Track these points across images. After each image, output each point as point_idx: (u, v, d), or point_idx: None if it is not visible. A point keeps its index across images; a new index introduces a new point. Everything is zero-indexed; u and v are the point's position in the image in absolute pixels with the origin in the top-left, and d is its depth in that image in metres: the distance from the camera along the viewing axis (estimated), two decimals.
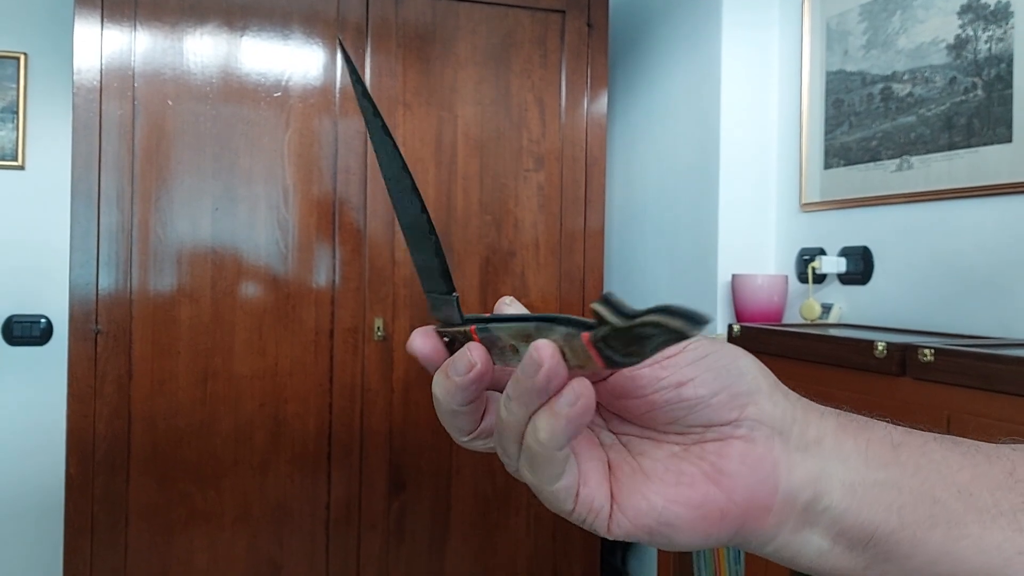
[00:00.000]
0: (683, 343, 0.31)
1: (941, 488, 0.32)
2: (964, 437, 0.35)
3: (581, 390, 0.29)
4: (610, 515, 0.32)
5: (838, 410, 0.35)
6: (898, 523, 0.32)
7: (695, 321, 0.24)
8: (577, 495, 0.32)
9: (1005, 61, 1.46)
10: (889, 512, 0.32)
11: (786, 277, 1.94)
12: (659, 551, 1.78)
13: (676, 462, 0.32)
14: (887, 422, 0.35)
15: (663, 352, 0.31)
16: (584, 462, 0.32)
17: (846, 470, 0.32)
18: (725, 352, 0.32)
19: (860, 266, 1.77)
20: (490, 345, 0.33)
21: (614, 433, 0.35)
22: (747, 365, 0.33)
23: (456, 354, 0.32)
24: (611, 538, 0.33)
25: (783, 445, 0.32)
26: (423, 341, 0.34)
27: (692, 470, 0.32)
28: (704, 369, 0.31)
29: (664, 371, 0.31)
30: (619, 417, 0.34)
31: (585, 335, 0.28)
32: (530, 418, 0.30)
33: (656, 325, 0.25)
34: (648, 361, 0.30)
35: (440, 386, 0.33)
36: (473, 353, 0.32)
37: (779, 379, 0.34)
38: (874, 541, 0.32)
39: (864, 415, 0.35)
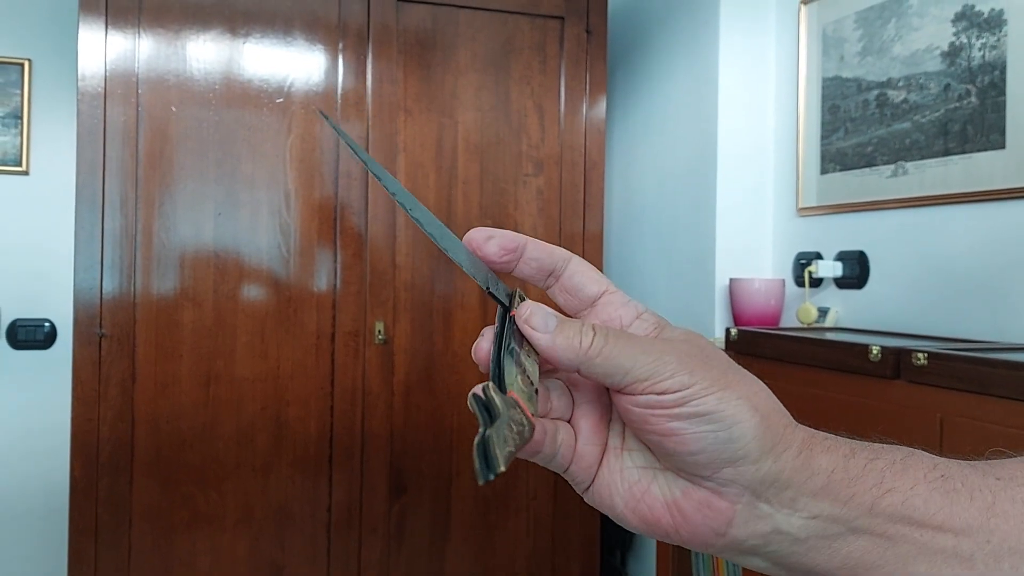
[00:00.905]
0: (687, 394, 0.32)
1: (908, 532, 0.32)
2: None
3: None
4: (586, 489, 0.37)
5: (837, 459, 0.33)
6: (839, 564, 0.33)
7: (485, 471, 0.29)
8: (567, 469, 0.37)
9: (998, 68, 1.48)
10: (836, 557, 0.33)
11: (783, 281, 1.96)
12: (658, 551, 1.80)
13: (648, 477, 0.35)
14: (894, 445, 0.35)
15: (660, 399, 0.32)
16: (583, 444, 0.36)
17: (807, 526, 0.33)
18: (728, 412, 0.32)
19: (856, 270, 1.79)
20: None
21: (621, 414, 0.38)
22: (743, 431, 0.32)
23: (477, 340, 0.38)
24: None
25: (750, 501, 0.33)
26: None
27: (656, 494, 0.35)
28: (694, 428, 0.32)
29: (653, 418, 0.32)
30: None
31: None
32: None
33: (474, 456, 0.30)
34: (641, 401, 0.33)
35: (474, 354, 0.38)
36: (482, 344, 0.37)
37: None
38: (812, 574, 0.34)
39: (877, 440, 0.35)
